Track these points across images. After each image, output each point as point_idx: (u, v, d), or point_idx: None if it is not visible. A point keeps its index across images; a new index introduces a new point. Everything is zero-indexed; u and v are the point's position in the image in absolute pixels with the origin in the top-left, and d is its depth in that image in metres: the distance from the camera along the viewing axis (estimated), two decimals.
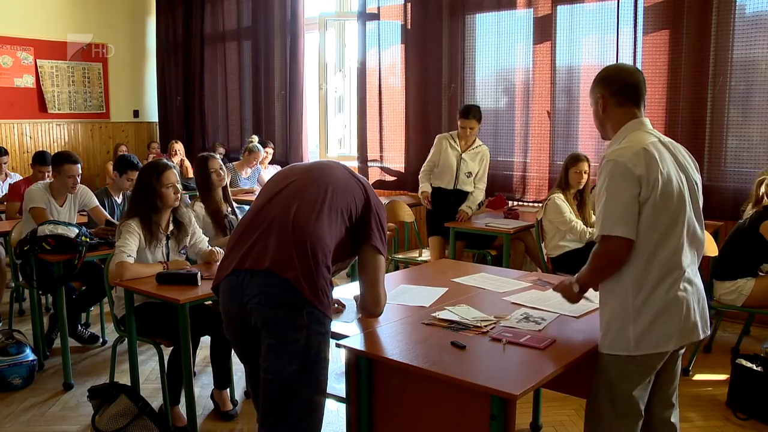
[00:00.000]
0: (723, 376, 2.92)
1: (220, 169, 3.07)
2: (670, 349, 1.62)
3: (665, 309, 1.58)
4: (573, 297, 1.73)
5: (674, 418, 1.77)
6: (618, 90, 1.64)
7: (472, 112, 3.74)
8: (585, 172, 3.46)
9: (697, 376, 2.98)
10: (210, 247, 2.74)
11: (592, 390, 1.69)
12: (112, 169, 3.67)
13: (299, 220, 1.61)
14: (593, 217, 3.52)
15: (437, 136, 3.91)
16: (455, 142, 3.85)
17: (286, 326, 1.56)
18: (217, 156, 3.15)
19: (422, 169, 3.92)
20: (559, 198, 3.41)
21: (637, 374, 1.63)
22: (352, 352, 1.68)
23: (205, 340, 2.70)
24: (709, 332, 1.69)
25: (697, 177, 1.68)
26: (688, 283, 1.61)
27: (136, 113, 7.15)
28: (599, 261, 1.59)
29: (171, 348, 2.52)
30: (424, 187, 3.87)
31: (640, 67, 3.86)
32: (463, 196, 3.85)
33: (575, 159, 3.46)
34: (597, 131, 3.81)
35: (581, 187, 3.47)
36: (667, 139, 1.67)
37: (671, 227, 1.57)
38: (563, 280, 1.76)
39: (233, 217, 3.10)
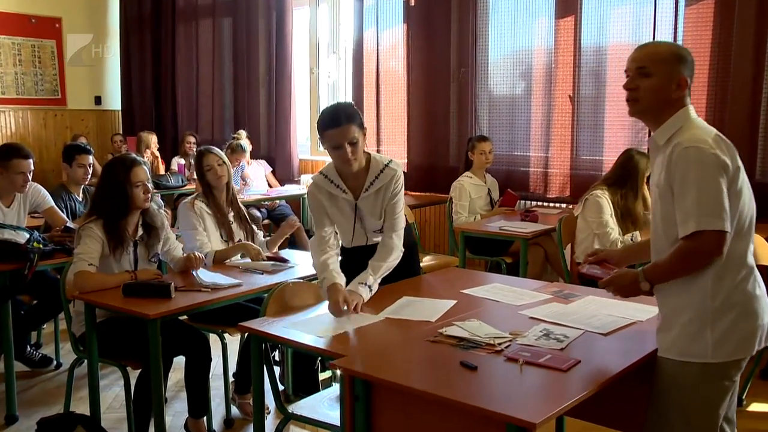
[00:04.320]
0: None
1: (219, 164, 3.02)
2: (749, 354, 1.67)
3: (744, 309, 1.64)
4: (632, 295, 1.73)
5: None
6: (691, 79, 1.70)
7: (345, 114, 2.23)
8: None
9: (754, 407, 2.96)
10: (186, 253, 2.75)
11: (656, 407, 1.71)
12: (62, 162, 3.66)
13: None
14: (635, 232, 3.37)
15: (308, 188, 2.46)
16: (337, 185, 2.37)
17: None
18: (215, 150, 3.10)
19: (312, 245, 2.39)
20: (603, 195, 3.33)
21: (716, 387, 1.65)
22: (347, 373, 1.68)
23: (179, 362, 2.70)
24: None
25: None
26: (759, 279, 1.69)
27: (98, 99, 7.14)
28: (691, 259, 1.61)
29: (139, 371, 2.53)
30: (327, 280, 2.23)
31: (681, 45, 3.84)
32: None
33: (646, 155, 3.24)
34: (627, 120, 3.73)
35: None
36: None
37: (745, 219, 1.64)
38: (618, 273, 1.74)
39: (236, 224, 3.06)
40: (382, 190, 2.38)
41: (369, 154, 2.39)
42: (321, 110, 2.39)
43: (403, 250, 2.43)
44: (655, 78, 1.68)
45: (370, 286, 2.27)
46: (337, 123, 2.23)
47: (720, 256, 1.59)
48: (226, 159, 3.10)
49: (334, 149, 2.26)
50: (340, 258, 2.42)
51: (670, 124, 1.69)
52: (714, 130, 1.67)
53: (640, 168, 3.31)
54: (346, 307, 2.11)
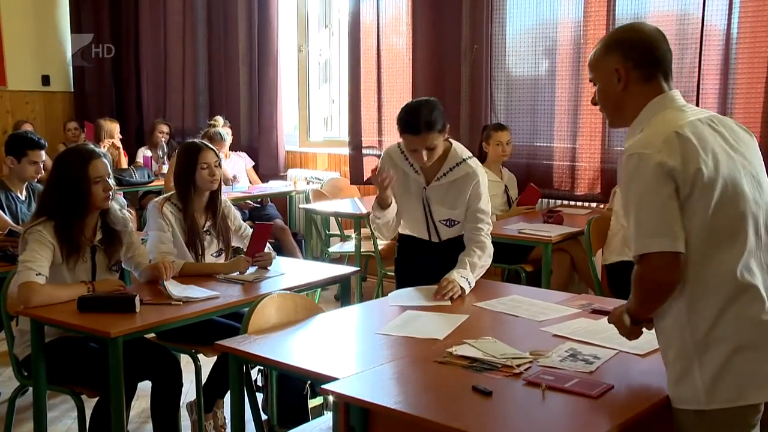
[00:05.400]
0: None
1: (216, 165, 2.94)
2: (763, 399, 1.59)
3: (747, 340, 1.56)
4: (629, 332, 1.74)
5: None
6: (644, 60, 1.67)
7: (426, 122, 2.51)
8: None
9: None
10: (155, 261, 2.74)
11: None
12: (6, 154, 3.63)
13: None
14: None
15: (384, 152, 2.83)
16: (411, 164, 2.71)
17: None
18: (212, 147, 3.03)
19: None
20: None
21: None
22: (341, 399, 1.69)
23: (144, 387, 2.70)
24: None
25: (756, 158, 1.68)
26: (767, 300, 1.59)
27: (45, 79, 7.09)
28: (643, 287, 1.61)
29: (96, 399, 2.52)
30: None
31: (736, 21, 3.81)
32: (456, 245, 2.74)
33: None
34: None
35: None
36: (708, 114, 1.69)
37: (729, 229, 1.58)
38: (618, 308, 1.78)
39: (212, 236, 3.01)
40: (456, 185, 2.68)
41: (450, 143, 2.70)
42: (404, 105, 2.68)
43: (493, 250, 2.72)
44: (598, 84, 1.74)
45: (469, 283, 2.54)
46: (415, 131, 2.54)
47: (674, 280, 1.56)
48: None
49: (410, 150, 2.61)
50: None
51: (636, 123, 1.68)
52: (679, 122, 1.60)
53: None
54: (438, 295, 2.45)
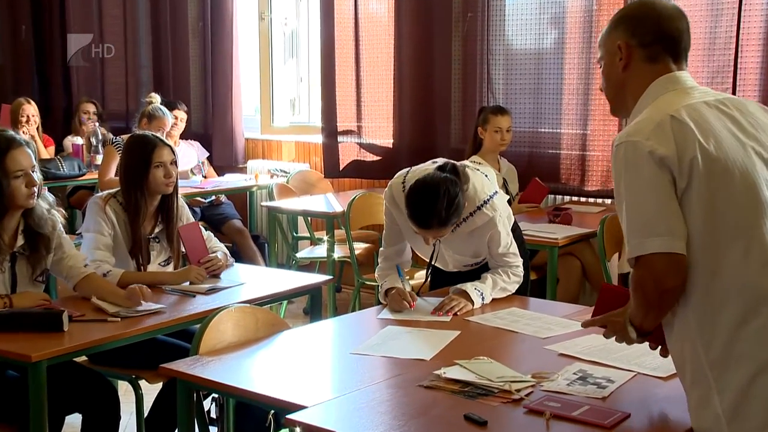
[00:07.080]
0: None
1: (172, 163, 2.94)
2: None
3: None
4: (631, 342, 1.75)
5: None
6: (650, 37, 1.71)
7: (440, 219, 2.45)
8: None
9: None
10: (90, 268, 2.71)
11: None
12: None
13: None
14: None
15: (386, 192, 2.75)
16: None
17: None
18: (169, 142, 3.04)
19: (380, 256, 2.89)
20: None
21: None
22: (310, 431, 1.69)
23: (73, 422, 2.69)
24: None
25: None
26: None
27: None
28: (643, 294, 1.62)
29: None
30: (389, 282, 2.73)
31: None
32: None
33: None
34: (702, 81, 3.79)
35: None
36: (721, 96, 1.71)
37: (741, 225, 1.58)
38: (612, 313, 1.78)
39: (162, 243, 3.01)
40: (475, 234, 2.68)
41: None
42: (417, 181, 2.53)
43: (522, 275, 2.75)
44: (603, 64, 1.80)
45: (483, 296, 2.60)
46: (426, 226, 2.50)
47: (678, 285, 1.57)
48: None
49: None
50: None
51: (636, 109, 1.73)
52: (678, 105, 1.63)
53: None
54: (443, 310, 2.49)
